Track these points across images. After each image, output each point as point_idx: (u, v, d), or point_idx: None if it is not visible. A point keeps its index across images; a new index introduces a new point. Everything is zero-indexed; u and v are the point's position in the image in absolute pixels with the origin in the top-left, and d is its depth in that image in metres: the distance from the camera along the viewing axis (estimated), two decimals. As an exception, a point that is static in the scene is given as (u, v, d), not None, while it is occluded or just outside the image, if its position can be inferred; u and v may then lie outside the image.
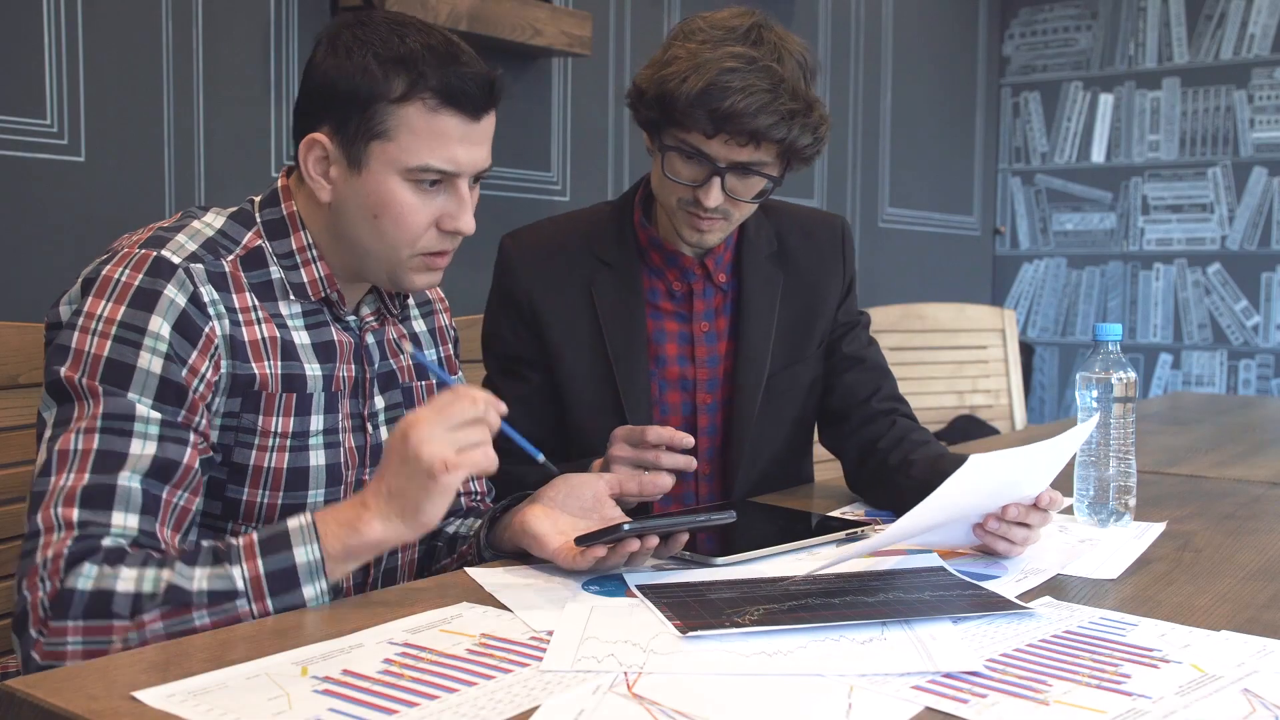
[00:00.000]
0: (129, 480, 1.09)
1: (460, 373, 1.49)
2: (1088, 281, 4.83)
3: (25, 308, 1.93)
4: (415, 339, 1.42)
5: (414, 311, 1.44)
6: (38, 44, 1.99)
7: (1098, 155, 4.80)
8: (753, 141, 1.43)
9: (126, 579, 1.03)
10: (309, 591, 1.06)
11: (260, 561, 1.06)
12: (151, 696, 0.83)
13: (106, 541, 1.05)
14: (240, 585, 1.05)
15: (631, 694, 0.86)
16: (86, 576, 1.03)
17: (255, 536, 1.08)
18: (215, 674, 0.88)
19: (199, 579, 1.04)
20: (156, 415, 1.12)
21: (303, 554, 1.07)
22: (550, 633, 0.99)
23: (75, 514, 1.06)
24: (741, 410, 1.61)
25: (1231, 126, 4.51)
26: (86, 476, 1.07)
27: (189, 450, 1.14)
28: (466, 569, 1.20)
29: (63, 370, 1.11)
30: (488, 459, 1.08)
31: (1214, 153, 4.55)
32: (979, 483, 1.17)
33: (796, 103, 1.43)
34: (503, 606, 1.07)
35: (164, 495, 1.10)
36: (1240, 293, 4.52)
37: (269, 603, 1.05)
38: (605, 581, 1.16)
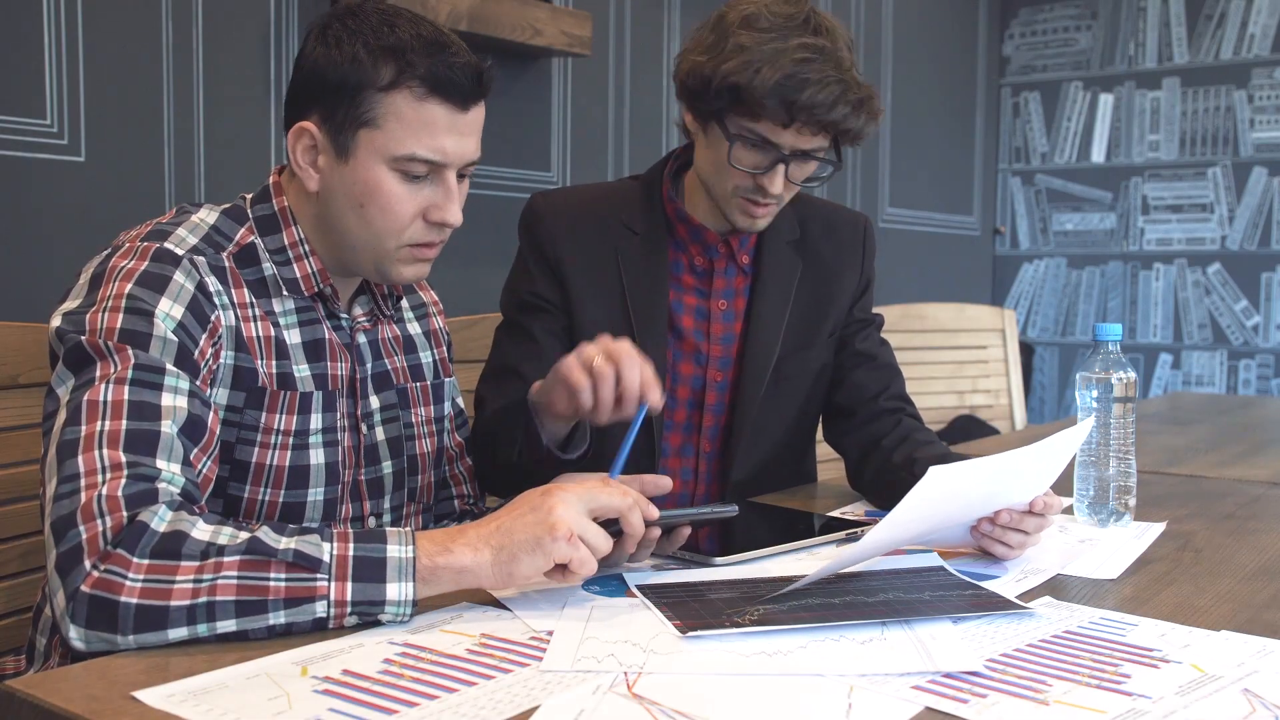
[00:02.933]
0: (169, 429, 1.06)
1: (454, 375, 1.49)
2: (1088, 281, 4.83)
3: (25, 308, 1.93)
4: (408, 341, 1.42)
5: (408, 314, 1.44)
6: (38, 44, 1.99)
7: (1098, 155, 4.80)
8: (824, 131, 1.48)
9: (203, 530, 0.98)
10: (393, 590, 0.99)
11: (351, 545, 0.99)
12: (151, 696, 0.83)
13: (161, 485, 1.02)
14: (326, 559, 0.98)
15: (631, 694, 0.86)
16: (161, 518, 0.98)
17: (347, 530, 1.03)
18: (215, 674, 0.88)
19: (285, 541, 0.98)
20: (185, 374, 1.11)
21: (396, 550, 1.00)
22: (550, 633, 0.99)
23: (122, 456, 1.02)
24: (748, 390, 1.63)
25: (1231, 126, 4.51)
26: (124, 423, 1.04)
27: (211, 415, 1.13)
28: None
29: (83, 337, 1.09)
30: (598, 553, 1.05)
31: (1214, 153, 4.55)
32: (952, 492, 1.15)
33: (862, 91, 1.48)
34: (503, 606, 1.07)
35: (193, 455, 1.08)
36: (1240, 293, 4.52)
37: (349, 587, 0.97)
38: (605, 581, 1.16)
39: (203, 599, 0.94)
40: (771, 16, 1.48)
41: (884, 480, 1.58)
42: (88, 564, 0.95)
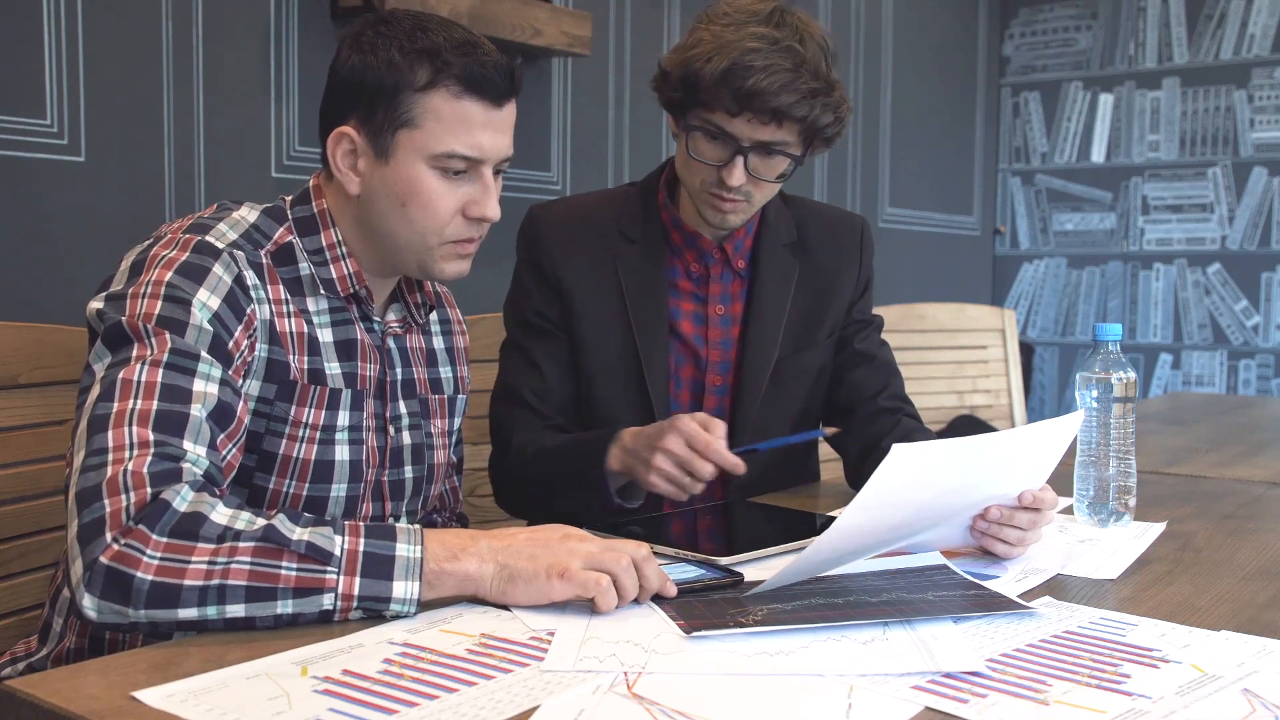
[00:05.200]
0: (199, 412, 1.09)
1: (466, 395, 1.49)
2: (1088, 281, 4.83)
3: (25, 308, 1.92)
4: (430, 354, 1.43)
5: (435, 328, 1.46)
6: (38, 44, 1.99)
7: (1098, 155, 4.80)
8: (775, 120, 1.47)
9: (222, 513, 1.00)
10: (399, 589, 1.01)
11: (363, 540, 1.01)
12: (151, 696, 0.83)
13: (185, 465, 1.04)
14: (337, 552, 1.00)
15: (631, 694, 0.86)
16: (183, 498, 1.00)
17: (359, 523, 1.04)
18: (215, 674, 0.88)
19: (300, 531, 1.00)
20: (218, 363, 1.13)
21: (405, 549, 1.02)
22: (551, 633, 0.99)
23: (150, 435, 1.04)
24: (748, 393, 1.63)
25: (1231, 126, 4.51)
26: (156, 403, 1.06)
27: (241, 404, 1.16)
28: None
29: (123, 318, 1.12)
30: (599, 591, 1.03)
31: (1214, 153, 4.55)
32: (923, 477, 1.10)
33: (818, 82, 1.47)
34: (503, 607, 1.07)
35: (219, 440, 1.11)
36: (1240, 293, 4.52)
37: (357, 583, 0.99)
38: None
39: (215, 581, 0.97)
40: (734, 12, 1.50)
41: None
42: (109, 536, 0.98)
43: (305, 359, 1.24)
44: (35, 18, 1.99)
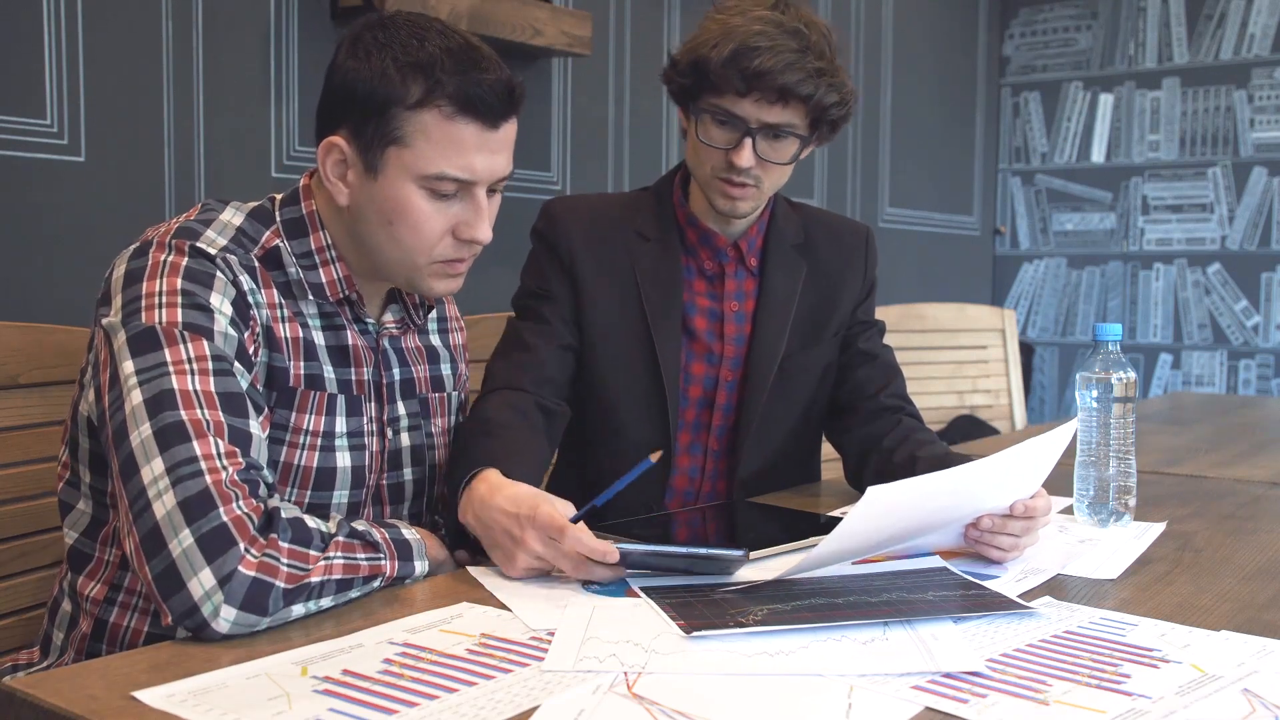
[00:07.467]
0: (255, 429, 1.11)
1: (463, 394, 1.49)
2: (1088, 281, 4.83)
3: (25, 308, 1.92)
4: (430, 352, 1.42)
5: (432, 325, 1.44)
6: (38, 44, 1.99)
7: (1098, 155, 4.80)
8: (782, 99, 1.49)
9: (308, 516, 1.09)
10: (419, 566, 1.16)
11: (386, 530, 1.15)
12: (151, 696, 0.83)
13: (260, 478, 1.08)
14: (381, 542, 1.13)
15: (631, 694, 0.86)
16: (284, 507, 1.06)
17: (365, 518, 1.18)
18: (215, 674, 0.88)
19: (359, 525, 1.13)
20: (245, 371, 1.15)
21: (409, 535, 1.17)
22: (551, 633, 0.99)
23: (234, 448, 1.06)
24: (754, 388, 1.64)
25: (1231, 126, 4.51)
26: (221, 414, 1.08)
27: (265, 413, 1.17)
28: (468, 569, 1.20)
29: (157, 325, 1.10)
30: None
31: (1214, 153, 4.55)
32: (900, 509, 1.14)
33: (823, 62, 1.50)
34: (503, 606, 1.07)
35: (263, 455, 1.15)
36: (1240, 293, 4.52)
37: (397, 565, 1.13)
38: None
39: (323, 579, 1.05)
40: (741, 3, 1.53)
41: (886, 479, 1.57)
42: (243, 545, 1.00)
43: (302, 364, 1.22)
44: (35, 18, 1.99)
